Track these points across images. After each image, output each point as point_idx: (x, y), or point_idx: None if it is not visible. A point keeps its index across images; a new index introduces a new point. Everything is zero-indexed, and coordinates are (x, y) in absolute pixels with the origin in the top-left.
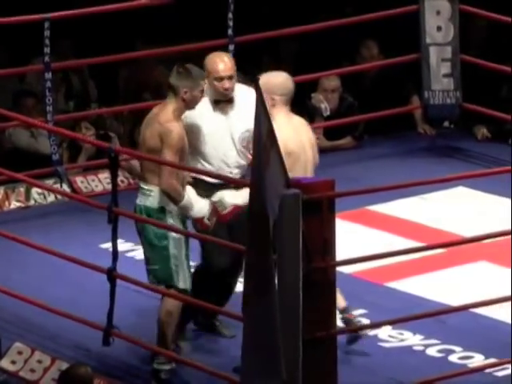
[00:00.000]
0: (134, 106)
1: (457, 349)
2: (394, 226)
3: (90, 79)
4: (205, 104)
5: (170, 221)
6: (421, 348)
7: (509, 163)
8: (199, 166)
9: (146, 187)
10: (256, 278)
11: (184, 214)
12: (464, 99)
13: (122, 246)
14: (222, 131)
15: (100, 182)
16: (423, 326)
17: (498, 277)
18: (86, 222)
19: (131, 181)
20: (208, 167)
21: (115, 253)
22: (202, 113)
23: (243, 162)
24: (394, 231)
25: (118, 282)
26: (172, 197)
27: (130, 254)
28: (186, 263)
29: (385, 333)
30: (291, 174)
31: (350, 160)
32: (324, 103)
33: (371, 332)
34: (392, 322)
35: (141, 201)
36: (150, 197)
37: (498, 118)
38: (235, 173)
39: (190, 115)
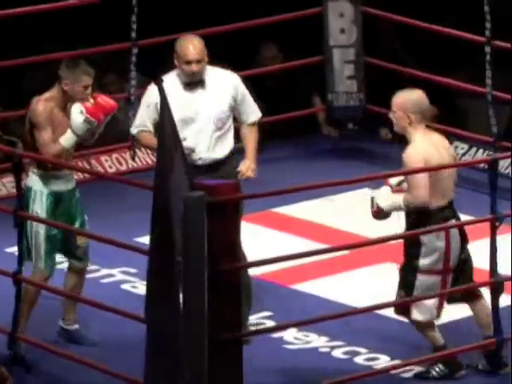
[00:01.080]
0: None
1: (362, 350)
2: (298, 227)
3: None
4: (177, 87)
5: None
6: (326, 350)
7: None
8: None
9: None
10: (159, 280)
11: None
12: (368, 101)
13: None
14: (193, 113)
15: (4, 185)
16: (328, 328)
17: None
18: None
19: None
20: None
21: (20, 256)
22: (174, 96)
23: (215, 143)
24: (299, 233)
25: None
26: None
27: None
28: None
29: (290, 335)
30: (434, 190)
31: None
32: None
33: (277, 334)
34: (297, 324)
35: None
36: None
37: None
38: (205, 157)
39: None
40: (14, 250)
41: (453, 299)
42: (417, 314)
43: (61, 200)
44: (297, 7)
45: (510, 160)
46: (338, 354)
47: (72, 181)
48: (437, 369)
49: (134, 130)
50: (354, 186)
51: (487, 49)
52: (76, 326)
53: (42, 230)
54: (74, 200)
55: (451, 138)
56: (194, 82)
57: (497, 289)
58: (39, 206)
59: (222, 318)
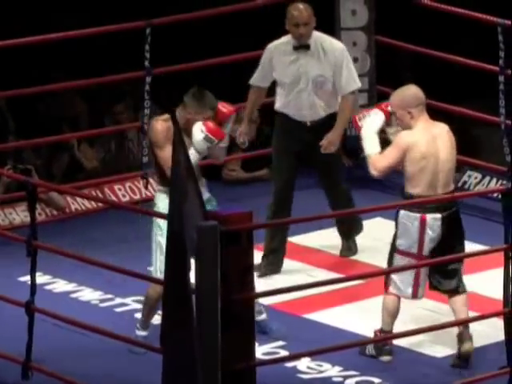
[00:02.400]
0: (52, 139)
1: (375, 380)
2: (313, 257)
3: (7, 112)
4: (286, 50)
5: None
6: (340, 379)
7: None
8: (281, 105)
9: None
10: (175, 309)
11: None
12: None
13: (41, 278)
14: (296, 74)
15: (17, 214)
16: (342, 358)
17: (416, 307)
18: (5, 254)
19: (49, 213)
20: (286, 107)
21: (33, 286)
22: (283, 58)
23: (316, 102)
24: (314, 263)
25: (37, 315)
26: None
27: (48, 287)
28: None
29: (304, 364)
30: (418, 179)
31: (268, 192)
32: (242, 136)
33: (290, 363)
34: (311, 354)
35: None
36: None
37: None
38: (307, 114)
39: (276, 59)
40: (27, 279)
41: (434, 287)
42: (391, 288)
43: None
44: None
45: None
46: (351, 383)
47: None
48: (369, 349)
49: (251, 81)
50: (367, 215)
51: (501, 78)
52: (263, 317)
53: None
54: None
55: (465, 167)
56: (301, 46)
57: (510, 319)
58: (162, 221)
59: (235, 348)
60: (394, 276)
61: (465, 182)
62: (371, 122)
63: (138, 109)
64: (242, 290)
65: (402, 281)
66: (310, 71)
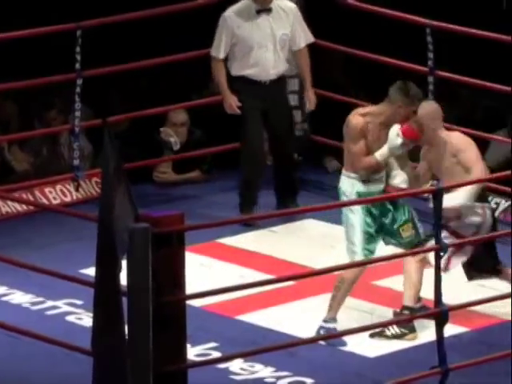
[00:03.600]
0: None
1: (308, 380)
2: (243, 258)
3: None
4: (250, 13)
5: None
6: (272, 380)
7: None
8: (243, 68)
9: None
10: (105, 311)
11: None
12: (312, 131)
13: None
14: (263, 35)
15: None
16: (274, 359)
17: (347, 308)
18: None
19: None
20: (250, 68)
21: None
22: (247, 21)
23: (280, 60)
24: (244, 264)
25: None
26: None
27: (4, 298)
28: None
29: (236, 366)
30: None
31: (199, 193)
32: (174, 137)
33: (223, 365)
34: (243, 355)
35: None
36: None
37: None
38: (272, 73)
39: (239, 25)
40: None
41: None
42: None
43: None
44: None
45: None
46: None
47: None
48: (392, 330)
49: (211, 51)
50: (297, 216)
51: (430, 79)
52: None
53: (358, 224)
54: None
55: None
56: (264, 9)
57: (441, 319)
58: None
59: (166, 350)
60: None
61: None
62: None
63: (68, 112)
64: (174, 292)
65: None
66: (276, 31)
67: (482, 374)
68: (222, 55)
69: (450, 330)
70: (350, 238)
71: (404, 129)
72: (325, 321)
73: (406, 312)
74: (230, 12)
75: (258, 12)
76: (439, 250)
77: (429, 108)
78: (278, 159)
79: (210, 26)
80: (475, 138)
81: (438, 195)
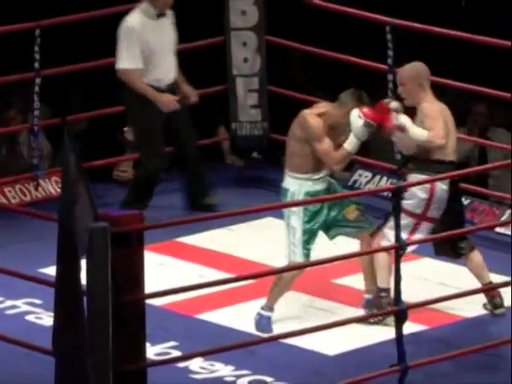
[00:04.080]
0: None
1: (268, 379)
2: (203, 257)
3: None
4: (148, 20)
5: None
6: (232, 379)
7: None
8: (148, 74)
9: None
10: (65, 310)
11: None
12: (272, 130)
13: None
14: (164, 39)
15: None
16: (234, 357)
17: (307, 306)
18: None
19: None
20: (154, 74)
21: None
22: (148, 27)
23: (175, 63)
24: (204, 263)
25: None
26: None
27: None
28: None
29: (196, 364)
30: (449, 142)
31: (158, 192)
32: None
33: (183, 364)
34: (203, 354)
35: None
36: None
37: None
38: (170, 76)
39: (144, 31)
40: None
41: (441, 251)
42: (383, 243)
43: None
44: (200, 37)
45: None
46: (243, 382)
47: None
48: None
49: (123, 65)
50: (257, 215)
51: (389, 77)
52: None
53: (299, 226)
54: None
55: (355, 166)
56: (163, 14)
57: (401, 317)
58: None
59: (126, 349)
60: (387, 231)
61: (355, 181)
62: (405, 117)
63: (27, 111)
64: (133, 291)
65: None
66: (172, 35)
67: (440, 372)
68: (141, 64)
69: (410, 328)
70: (291, 239)
71: (364, 111)
72: (262, 308)
73: (383, 294)
74: (133, 20)
75: (159, 16)
76: (398, 248)
77: (414, 68)
78: (185, 161)
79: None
80: None
81: (397, 193)
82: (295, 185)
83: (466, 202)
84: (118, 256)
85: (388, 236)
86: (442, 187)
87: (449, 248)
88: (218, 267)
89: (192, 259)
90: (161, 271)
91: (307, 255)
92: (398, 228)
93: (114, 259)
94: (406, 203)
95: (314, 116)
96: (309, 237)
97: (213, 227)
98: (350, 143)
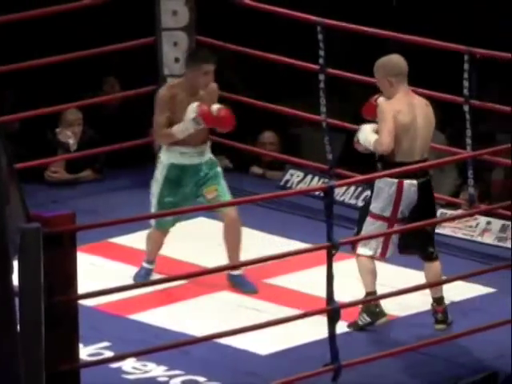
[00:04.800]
0: None
1: (200, 379)
2: (135, 258)
3: None
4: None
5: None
6: (165, 379)
7: (249, 193)
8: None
9: None
10: None
11: None
12: None
13: None
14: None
15: None
16: (167, 357)
17: (239, 306)
18: None
19: None
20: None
21: None
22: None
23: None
24: (136, 263)
25: None
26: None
27: None
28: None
29: (129, 365)
30: (399, 145)
31: (90, 193)
32: (72, 138)
33: (115, 364)
34: (136, 354)
35: None
36: None
37: (238, 149)
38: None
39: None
40: None
41: (406, 250)
42: (360, 249)
43: (184, 172)
44: (131, 37)
45: (344, 188)
46: (176, 382)
47: (201, 157)
48: (362, 319)
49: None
50: (189, 215)
51: (321, 77)
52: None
53: (156, 195)
54: (201, 174)
55: (287, 166)
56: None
57: (333, 316)
58: (160, 173)
59: (59, 349)
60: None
61: (287, 181)
62: (364, 131)
63: None
64: (66, 292)
65: (371, 241)
66: None
67: (374, 371)
68: None
69: (343, 327)
70: (150, 207)
71: (202, 108)
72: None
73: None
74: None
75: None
76: (330, 247)
77: (383, 63)
78: None
79: (99, 24)
80: None
81: (328, 193)
82: (164, 155)
83: None
84: (50, 257)
85: (370, 243)
86: (411, 183)
87: (417, 249)
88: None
89: (125, 260)
90: (93, 272)
91: (162, 226)
92: (329, 227)
93: (47, 260)
94: (374, 207)
95: (165, 87)
96: (166, 207)
97: (146, 227)
98: (177, 128)
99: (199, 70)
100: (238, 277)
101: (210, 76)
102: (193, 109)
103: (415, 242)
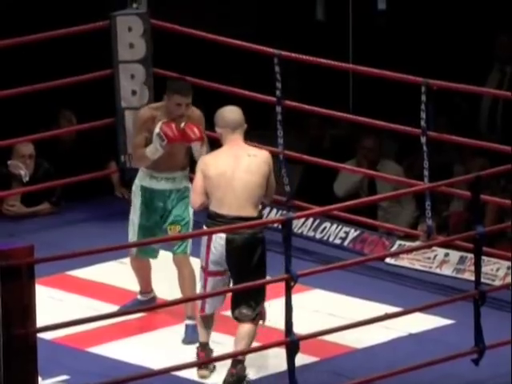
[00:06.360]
0: None
1: None
2: (93, 290)
3: None
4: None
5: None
6: None
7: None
8: None
9: None
10: None
11: None
12: None
13: None
14: None
15: None
16: None
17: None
18: None
19: None
20: None
21: None
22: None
23: None
24: (94, 296)
25: None
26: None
27: None
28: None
29: None
30: (211, 196)
31: (48, 226)
32: (23, 169)
33: None
34: None
35: None
36: None
37: None
38: None
39: None
40: None
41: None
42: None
43: (152, 196)
44: (88, 70)
45: (303, 219)
46: None
47: (172, 183)
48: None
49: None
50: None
51: (278, 109)
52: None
53: (136, 219)
54: (169, 200)
55: None
56: None
57: (292, 348)
58: (135, 197)
59: (17, 382)
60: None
61: None
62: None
63: None
64: (24, 325)
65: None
66: None
67: None
68: None
69: (301, 359)
70: (129, 230)
71: (165, 125)
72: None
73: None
74: None
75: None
76: (289, 279)
77: (217, 114)
78: None
79: (56, 57)
80: (324, 168)
81: (287, 224)
82: (138, 178)
83: (356, 232)
84: (8, 290)
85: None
86: (219, 236)
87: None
88: (110, 300)
89: (83, 292)
90: (52, 304)
91: (148, 254)
92: (288, 259)
93: (5, 293)
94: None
95: (146, 108)
96: (144, 231)
97: (104, 260)
98: (148, 149)
99: (172, 99)
100: (190, 327)
101: (183, 107)
102: (159, 125)
103: (238, 299)
